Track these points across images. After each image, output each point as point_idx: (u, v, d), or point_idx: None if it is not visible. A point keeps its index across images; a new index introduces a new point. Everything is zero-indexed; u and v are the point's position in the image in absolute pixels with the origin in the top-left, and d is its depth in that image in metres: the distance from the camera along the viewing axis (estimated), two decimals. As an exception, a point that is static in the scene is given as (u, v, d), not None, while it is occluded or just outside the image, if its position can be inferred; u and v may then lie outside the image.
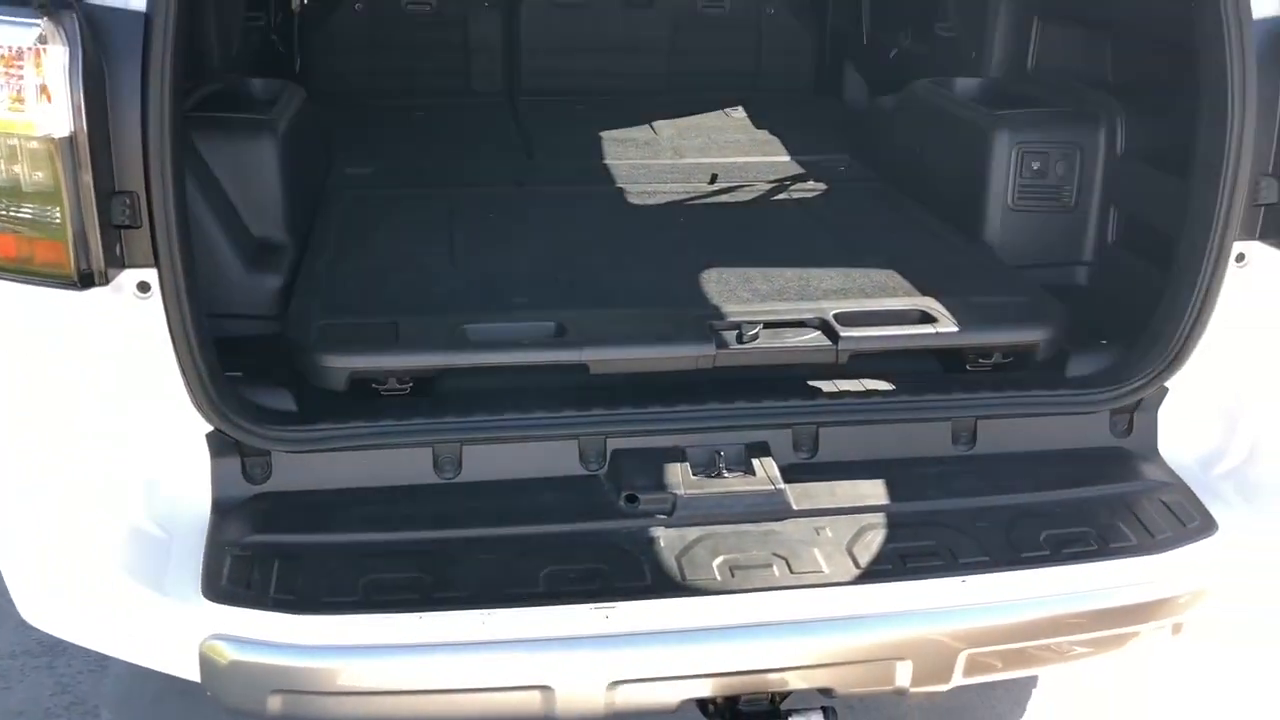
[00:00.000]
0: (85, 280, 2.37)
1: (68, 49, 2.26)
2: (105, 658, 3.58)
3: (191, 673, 2.50)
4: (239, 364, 2.94)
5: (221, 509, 2.72)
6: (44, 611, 2.64)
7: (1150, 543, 2.75)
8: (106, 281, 2.40)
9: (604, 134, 5.06)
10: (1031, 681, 3.95)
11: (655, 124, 5.26)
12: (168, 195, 2.41)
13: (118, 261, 2.44)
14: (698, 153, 4.83)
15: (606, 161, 4.68)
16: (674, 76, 5.98)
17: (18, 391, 2.60)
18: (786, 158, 4.82)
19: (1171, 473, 3.01)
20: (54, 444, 2.62)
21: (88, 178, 2.31)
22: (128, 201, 2.40)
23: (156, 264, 2.46)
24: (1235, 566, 2.77)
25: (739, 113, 5.51)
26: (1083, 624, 2.66)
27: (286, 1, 5.76)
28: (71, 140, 2.29)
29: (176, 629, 2.49)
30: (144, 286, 2.49)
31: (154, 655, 2.59)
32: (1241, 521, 2.86)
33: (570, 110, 5.50)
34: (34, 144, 2.30)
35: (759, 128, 5.29)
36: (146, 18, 2.37)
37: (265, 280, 3.26)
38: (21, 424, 2.62)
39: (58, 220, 2.34)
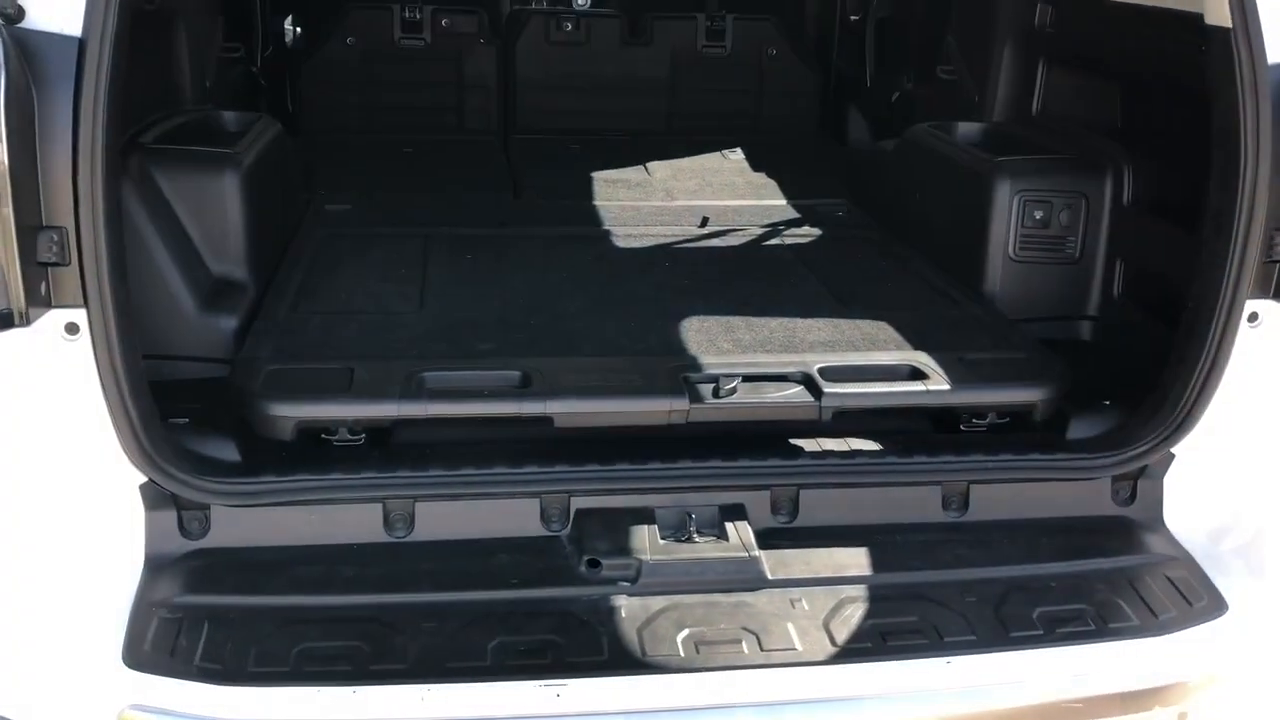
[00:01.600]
0: (4, 321, 2.21)
1: (-8, 74, 2.11)
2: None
3: (110, 745, 2.32)
4: (186, 410, 2.78)
5: (154, 566, 2.54)
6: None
7: (1153, 623, 2.55)
8: (28, 322, 2.23)
9: (596, 175, 4.92)
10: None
11: (649, 165, 5.11)
12: (99, 232, 2.25)
13: (43, 301, 2.27)
14: (690, 195, 4.67)
15: (595, 203, 4.53)
16: (673, 117, 5.85)
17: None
18: (782, 201, 4.66)
19: (1178, 546, 2.81)
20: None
21: (8, 211, 2.16)
22: (55, 238, 2.24)
23: (86, 304, 2.30)
24: (1246, 650, 2.57)
25: (737, 155, 5.36)
26: (1079, 712, 2.45)
27: (279, 34, 5.67)
28: (-7, 170, 2.14)
29: (93, 697, 2.30)
30: (72, 328, 2.32)
31: (69, 725, 2.40)
32: (1253, 601, 2.65)
33: (564, 150, 5.36)
34: (-48, 174, 2.15)
35: (756, 170, 5.14)
36: (81, 43, 2.22)
37: (220, 321, 3.10)
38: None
39: (-25, 256, 2.18)
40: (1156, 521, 2.87)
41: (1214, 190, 2.68)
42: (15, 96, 2.15)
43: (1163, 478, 2.87)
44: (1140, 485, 2.88)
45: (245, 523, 2.60)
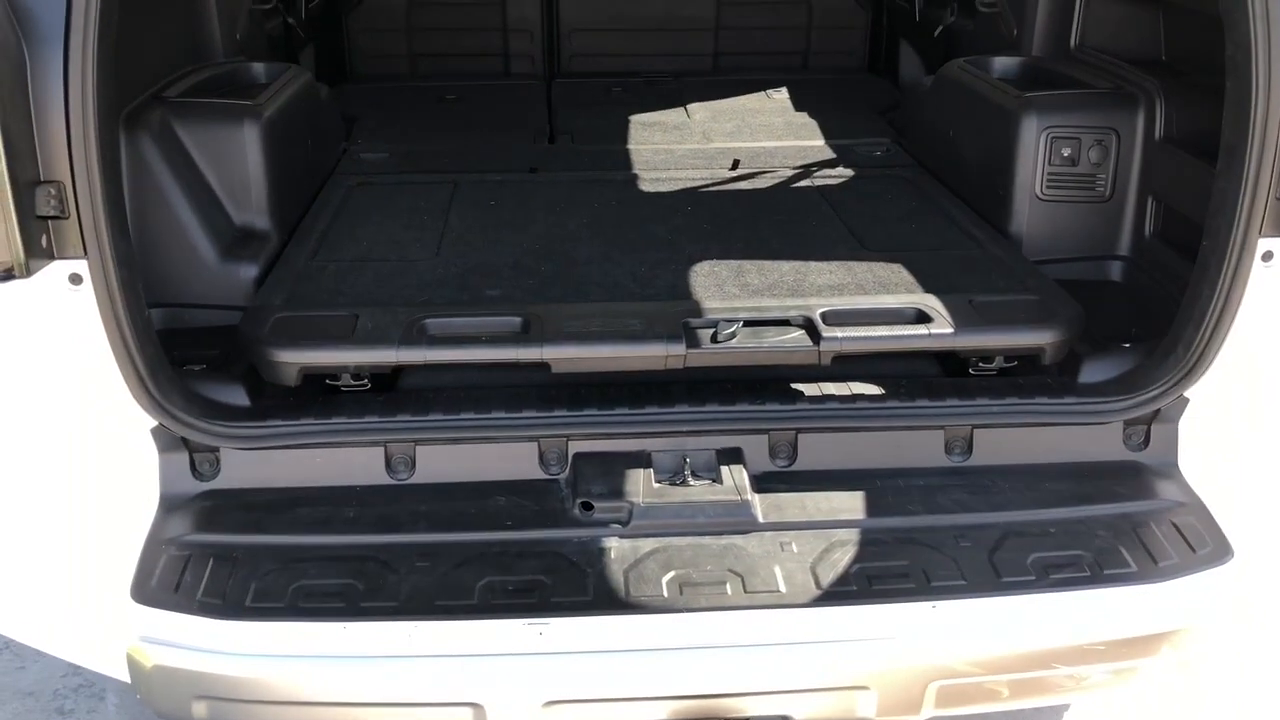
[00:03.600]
0: (4, 273, 2.31)
1: (-18, 33, 2.19)
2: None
3: (124, 674, 2.45)
4: (204, 357, 2.88)
5: (169, 506, 2.65)
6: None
7: (1152, 570, 2.50)
8: (28, 274, 2.33)
9: (634, 118, 4.89)
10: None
11: (690, 107, 5.06)
12: (94, 185, 2.33)
13: (44, 253, 2.37)
14: (726, 137, 4.62)
15: (629, 146, 4.51)
16: (720, 57, 5.77)
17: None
18: (821, 142, 4.58)
19: (1190, 491, 2.74)
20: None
21: (2, 167, 2.24)
22: (53, 191, 2.33)
23: (86, 256, 2.39)
24: (1249, 597, 2.51)
25: (781, 94, 5.27)
26: (1068, 658, 2.43)
27: None
28: (-12, 128, 2.23)
29: (106, 630, 2.44)
30: (76, 279, 2.41)
31: (88, 655, 2.54)
32: (1261, 547, 2.58)
33: (606, 93, 5.34)
34: (-54, 132, 2.24)
35: (800, 110, 5.05)
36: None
37: (240, 270, 3.18)
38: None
39: (-28, 211, 2.27)
40: (1170, 467, 2.80)
41: (1226, 121, 2.58)
42: (6, 53, 2.23)
43: (1178, 421, 2.80)
44: (1154, 430, 2.81)
45: (254, 465, 2.70)
